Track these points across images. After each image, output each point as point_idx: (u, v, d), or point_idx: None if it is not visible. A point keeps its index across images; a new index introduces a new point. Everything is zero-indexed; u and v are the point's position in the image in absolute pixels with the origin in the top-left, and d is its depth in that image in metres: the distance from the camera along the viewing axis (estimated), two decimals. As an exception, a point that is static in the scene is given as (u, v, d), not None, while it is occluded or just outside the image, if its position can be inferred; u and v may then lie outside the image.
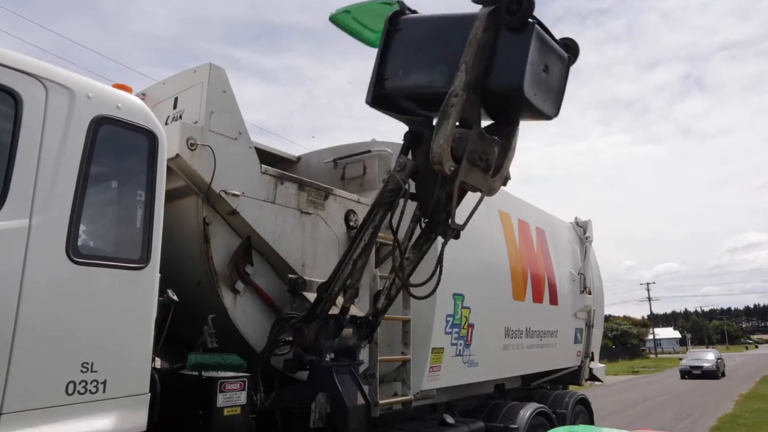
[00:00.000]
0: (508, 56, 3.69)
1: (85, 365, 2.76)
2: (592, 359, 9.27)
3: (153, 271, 3.14)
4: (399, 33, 4.09)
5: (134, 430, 2.96)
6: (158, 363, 4.19)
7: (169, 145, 3.43)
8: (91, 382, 2.77)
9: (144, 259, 3.10)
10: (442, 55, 3.84)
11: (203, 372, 3.48)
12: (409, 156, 4.01)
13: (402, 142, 4.11)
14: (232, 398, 3.52)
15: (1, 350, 2.51)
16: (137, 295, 3.04)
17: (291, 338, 4.03)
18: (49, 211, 2.72)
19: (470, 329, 5.70)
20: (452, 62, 3.68)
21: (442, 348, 5.33)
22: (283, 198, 4.44)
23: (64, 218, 2.77)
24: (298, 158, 6.41)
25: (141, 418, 2.99)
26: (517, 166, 4.26)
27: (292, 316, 4.12)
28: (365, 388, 4.54)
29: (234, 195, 4.02)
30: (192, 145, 3.78)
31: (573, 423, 7.51)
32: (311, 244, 4.65)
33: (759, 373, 32.15)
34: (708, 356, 32.70)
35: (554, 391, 8.24)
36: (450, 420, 5.60)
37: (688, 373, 31.02)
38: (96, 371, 2.79)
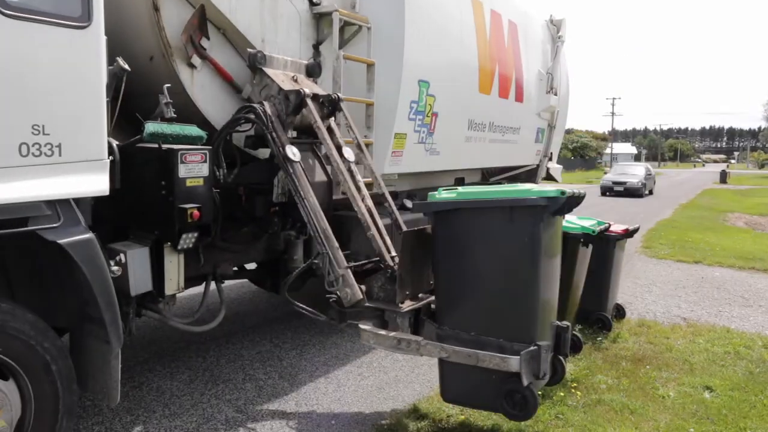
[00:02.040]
0: None
1: (35, 127, 2.67)
2: (550, 159, 9.57)
3: (97, 32, 2.92)
4: None
5: (95, 192, 2.98)
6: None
7: None
8: (45, 145, 2.71)
9: (85, 18, 2.87)
10: None
11: (162, 144, 3.43)
12: None
13: None
14: (194, 170, 3.52)
15: None
16: (83, 57, 2.85)
17: (252, 114, 3.95)
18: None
19: (434, 117, 5.70)
20: None
21: (405, 134, 5.36)
22: (240, -35, 4.06)
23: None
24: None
25: (102, 182, 2.99)
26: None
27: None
28: (327, 168, 4.63)
29: (182, -44, 3.65)
30: None
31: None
32: (271, 20, 4.37)
33: (694, 191, 31.22)
34: (635, 170, 29.16)
35: (511, 186, 8.58)
36: (409, 204, 5.84)
37: (609, 190, 27.53)
38: (48, 134, 2.71)
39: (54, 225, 2.76)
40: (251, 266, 5.23)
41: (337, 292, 3.82)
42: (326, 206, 4.27)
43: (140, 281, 3.51)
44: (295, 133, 4.33)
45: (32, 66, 2.65)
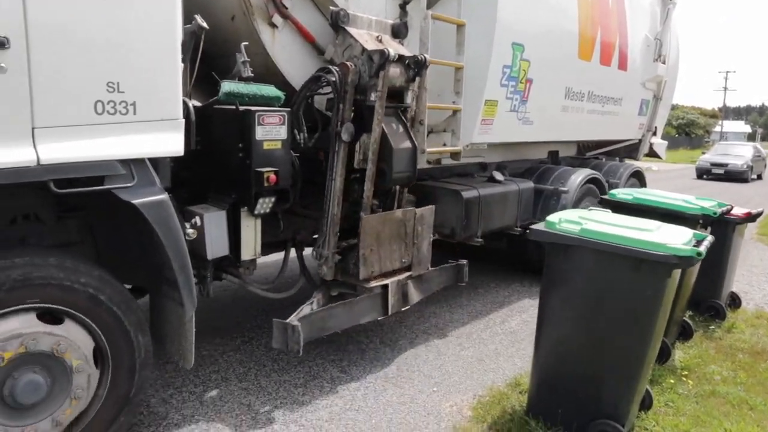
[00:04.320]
0: None
1: (110, 84, 2.61)
2: (654, 134, 8.83)
3: None
4: None
5: (170, 153, 2.91)
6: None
7: None
8: (120, 103, 2.65)
9: (161, -29, 2.76)
10: None
11: (240, 105, 3.32)
12: None
13: None
14: (272, 132, 3.40)
15: (19, 64, 2.35)
16: (157, 13, 2.75)
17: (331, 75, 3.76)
18: None
19: (528, 84, 5.30)
20: None
21: (496, 101, 5.01)
22: None
23: None
24: None
25: (176, 142, 2.91)
26: None
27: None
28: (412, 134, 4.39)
29: None
30: None
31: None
32: (355, -23, 4.16)
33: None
34: (740, 150, 24.81)
35: (609, 161, 7.99)
36: (499, 177, 5.51)
37: (706, 172, 23.56)
38: (123, 92, 2.65)
39: (128, 185, 2.70)
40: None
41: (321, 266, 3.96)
42: (410, 174, 4.05)
43: (217, 245, 3.45)
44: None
45: (106, 21, 2.58)
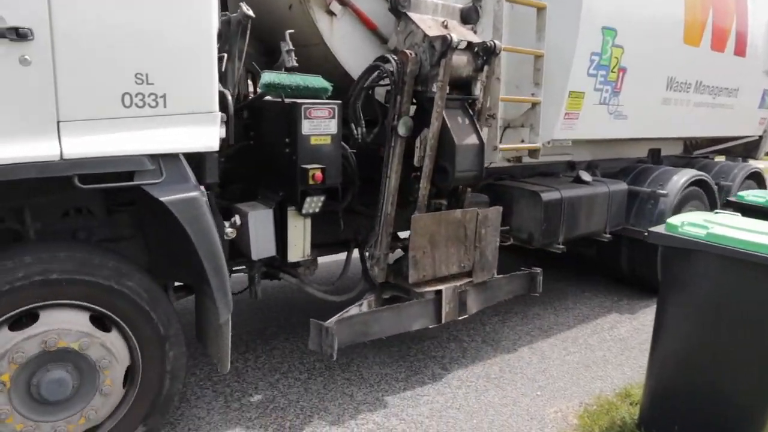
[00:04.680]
0: None
1: (139, 76, 2.47)
2: (778, 130, 7.78)
3: None
4: None
5: (203, 148, 2.73)
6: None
7: None
8: (149, 96, 2.51)
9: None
10: None
11: (285, 98, 3.12)
12: None
13: None
14: (320, 126, 3.16)
15: (43, 56, 2.26)
16: (191, 2, 2.59)
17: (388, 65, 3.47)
18: None
19: (621, 74, 4.73)
20: None
21: (582, 92, 4.49)
22: None
23: None
24: None
25: (211, 137, 2.73)
26: None
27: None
28: (484, 131, 4.01)
29: None
30: None
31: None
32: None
33: None
34: None
35: (721, 161, 7.11)
36: (586, 177, 4.97)
37: None
38: (152, 84, 2.50)
39: (156, 181, 2.56)
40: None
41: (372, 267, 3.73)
42: (476, 173, 3.69)
43: (262, 245, 3.28)
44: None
45: (134, 10, 2.43)
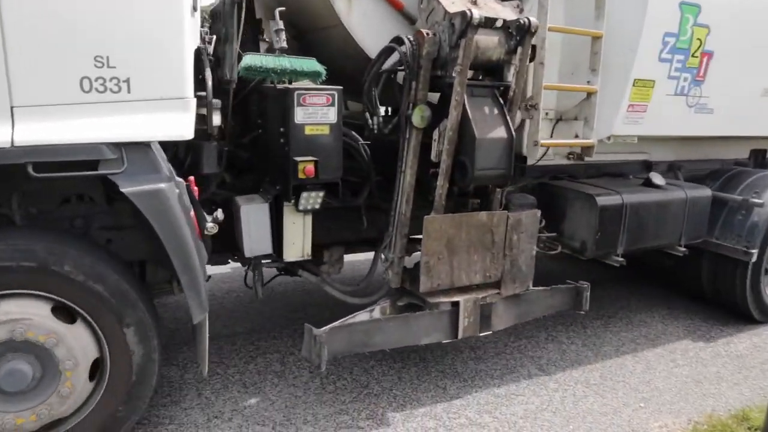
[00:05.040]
0: None
1: (99, 59, 2.31)
2: None
3: None
4: None
5: (173, 136, 2.53)
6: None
7: None
8: (111, 80, 2.35)
9: None
10: None
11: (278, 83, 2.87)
12: None
13: None
14: (316, 114, 2.88)
15: None
16: None
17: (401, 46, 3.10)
18: None
19: (705, 59, 3.99)
20: None
21: (652, 81, 3.83)
22: None
23: None
24: None
25: (183, 125, 2.52)
26: None
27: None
28: (526, 123, 3.54)
29: None
30: None
31: None
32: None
33: None
34: None
35: None
36: (658, 180, 4.28)
37: None
38: (114, 67, 2.33)
39: (117, 171, 2.40)
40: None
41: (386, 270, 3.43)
42: (502, 171, 3.23)
43: (256, 242, 3.08)
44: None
45: None
